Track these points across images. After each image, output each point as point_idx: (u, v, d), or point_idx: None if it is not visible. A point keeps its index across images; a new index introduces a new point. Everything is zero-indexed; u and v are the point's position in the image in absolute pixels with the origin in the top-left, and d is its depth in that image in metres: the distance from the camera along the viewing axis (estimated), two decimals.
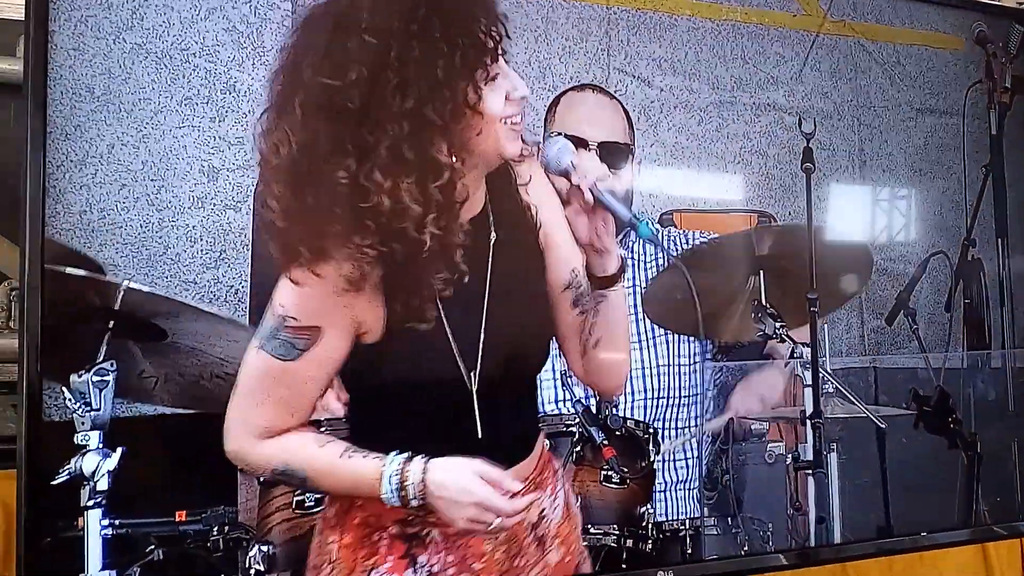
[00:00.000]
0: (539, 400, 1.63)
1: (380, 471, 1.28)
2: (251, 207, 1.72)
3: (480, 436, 1.34)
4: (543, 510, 1.44)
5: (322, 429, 1.42)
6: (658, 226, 2.09)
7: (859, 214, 2.38)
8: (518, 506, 1.29)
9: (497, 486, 1.27)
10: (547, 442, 1.52)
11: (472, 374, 1.35)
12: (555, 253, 1.43)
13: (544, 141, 1.35)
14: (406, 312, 1.29)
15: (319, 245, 1.25)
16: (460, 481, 1.27)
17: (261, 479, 1.66)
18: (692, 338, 2.07)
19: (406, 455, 1.29)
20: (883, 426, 2.16)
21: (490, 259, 1.36)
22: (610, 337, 1.44)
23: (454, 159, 1.26)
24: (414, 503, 1.28)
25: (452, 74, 1.23)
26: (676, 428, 2.08)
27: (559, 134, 1.41)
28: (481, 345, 1.36)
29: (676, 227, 2.13)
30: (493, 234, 1.37)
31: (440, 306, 1.30)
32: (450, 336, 1.33)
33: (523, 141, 1.34)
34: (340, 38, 1.23)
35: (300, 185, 1.24)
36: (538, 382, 1.53)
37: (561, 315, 1.45)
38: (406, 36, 1.22)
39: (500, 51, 1.27)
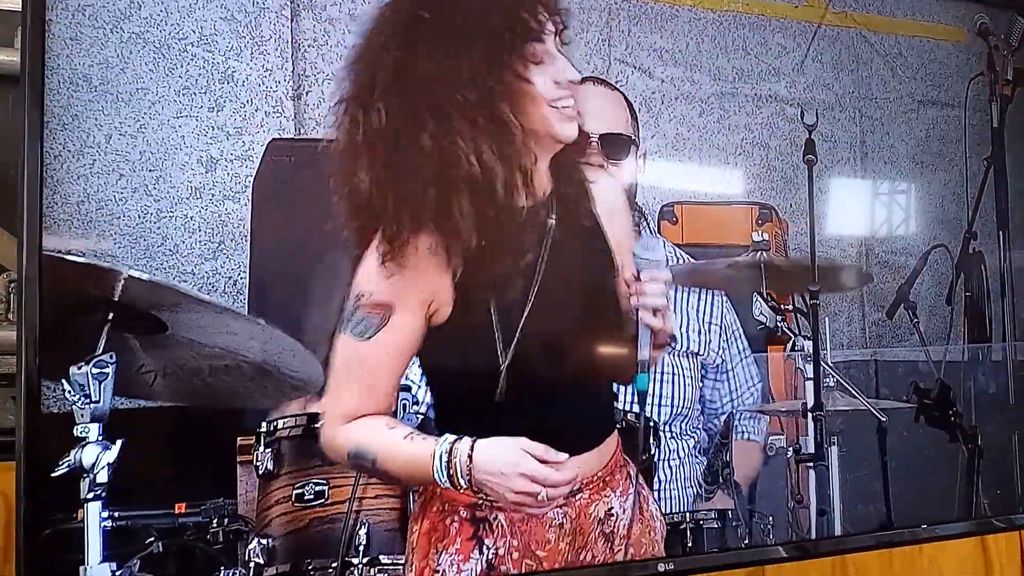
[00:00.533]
0: (618, 401, 1.63)
1: (432, 452, 1.32)
2: (249, 197, 1.71)
3: (504, 405, 1.36)
4: (611, 508, 1.47)
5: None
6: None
7: (860, 206, 2.38)
8: (564, 477, 1.32)
9: (540, 458, 1.31)
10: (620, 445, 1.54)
11: (505, 352, 1.37)
12: (620, 246, 1.45)
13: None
14: (477, 288, 1.33)
15: (416, 214, 1.28)
16: (505, 456, 1.32)
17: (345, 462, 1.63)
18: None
19: (456, 437, 1.32)
20: (884, 419, 2.16)
21: (546, 251, 1.39)
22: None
23: (520, 125, 1.30)
24: (462, 482, 1.31)
25: (499, 51, 1.28)
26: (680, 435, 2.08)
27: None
28: (521, 328, 1.38)
29: (677, 219, 2.13)
30: (552, 218, 1.40)
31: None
32: (494, 316, 1.37)
33: (580, 129, 1.38)
34: (406, 18, 1.26)
35: (388, 154, 1.28)
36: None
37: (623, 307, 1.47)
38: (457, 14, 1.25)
39: (544, 32, 1.32)
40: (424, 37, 1.31)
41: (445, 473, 1.33)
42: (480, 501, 1.40)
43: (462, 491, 1.35)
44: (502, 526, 1.41)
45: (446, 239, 1.31)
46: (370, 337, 1.38)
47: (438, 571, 1.43)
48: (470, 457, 1.32)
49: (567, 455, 1.36)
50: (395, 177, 1.30)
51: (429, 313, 1.37)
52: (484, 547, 1.41)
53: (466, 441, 1.33)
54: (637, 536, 1.52)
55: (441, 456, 1.33)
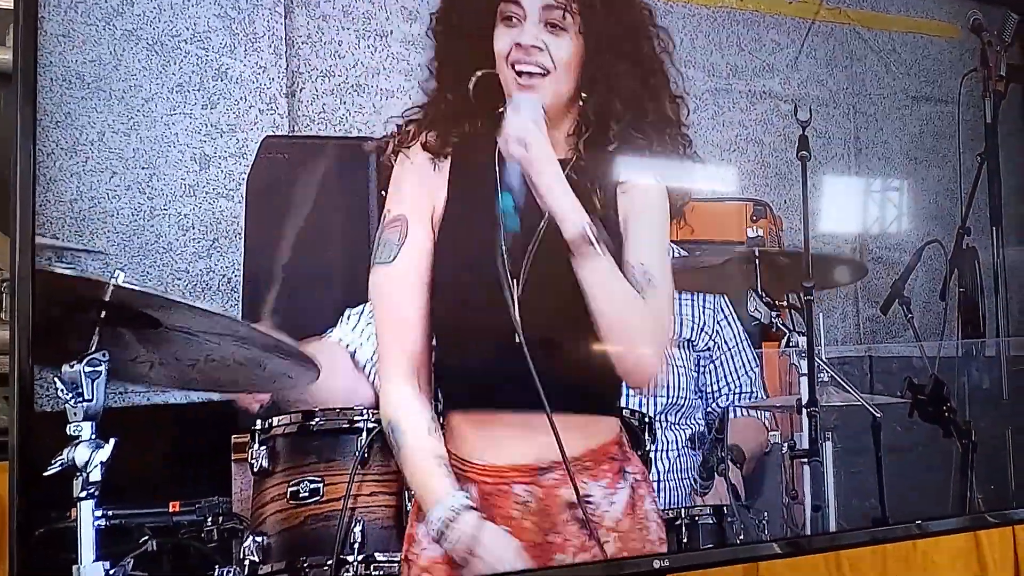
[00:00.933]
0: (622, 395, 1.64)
1: (438, 501, 1.36)
2: (243, 195, 1.70)
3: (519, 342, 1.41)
4: (588, 496, 1.49)
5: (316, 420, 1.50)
6: None
7: (854, 203, 2.38)
8: None
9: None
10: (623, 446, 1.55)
11: (516, 281, 1.44)
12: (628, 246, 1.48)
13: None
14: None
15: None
16: (501, 555, 1.37)
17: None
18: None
19: (468, 503, 1.37)
20: (878, 415, 2.16)
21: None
22: (597, 313, 1.51)
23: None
24: (445, 545, 1.36)
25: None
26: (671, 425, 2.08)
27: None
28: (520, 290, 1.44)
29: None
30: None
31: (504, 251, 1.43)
32: (504, 255, 1.43)
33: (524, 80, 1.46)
34: None
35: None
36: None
37: None
38: None
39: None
40: None
41: (438, 528, 1.39)
42: (456, 469, 1.44)
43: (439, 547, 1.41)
44: (474, 498, 1.45)
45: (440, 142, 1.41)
46: (394, 258, 1.43)
47: (416, 538, 1.46)
48: (471, 534, 1.38)
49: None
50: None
51: (433, 222, 1.44)
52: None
53: (474, 515, 1.37)
54: (626, 531, 1.52)
55: (446, 508, 1.38)
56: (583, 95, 1.46)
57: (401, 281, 1.45)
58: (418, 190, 1.45)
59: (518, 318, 1.44)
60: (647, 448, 1.90)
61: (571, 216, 1.45)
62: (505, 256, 1.45)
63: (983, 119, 2.46)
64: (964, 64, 2.45)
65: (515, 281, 1.47)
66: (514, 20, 1.47)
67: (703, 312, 2.12)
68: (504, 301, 1.45)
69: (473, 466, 1.44)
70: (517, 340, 1.43)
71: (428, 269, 1.48)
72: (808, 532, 2.06)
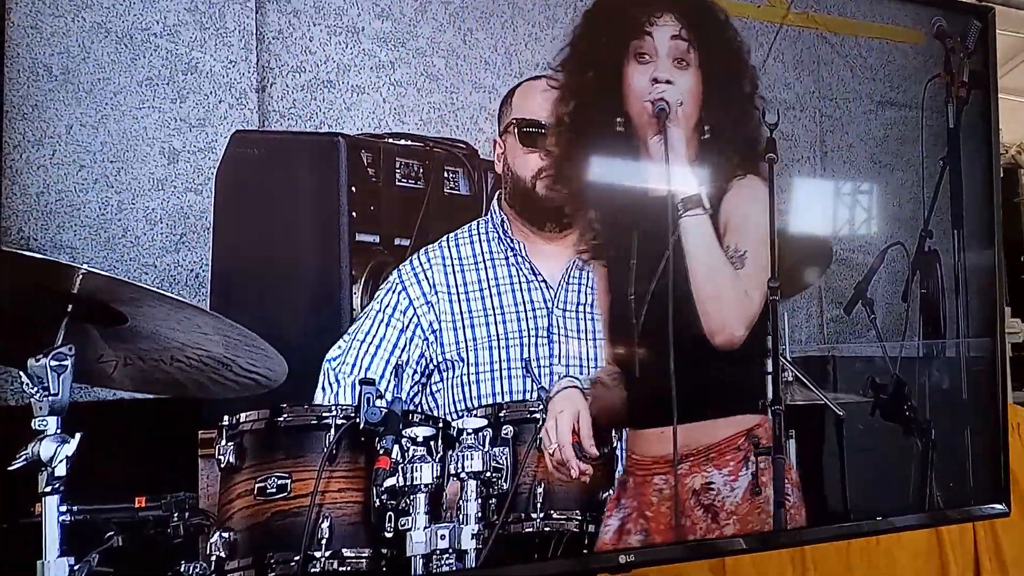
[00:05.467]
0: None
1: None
2: (212, 189, 1.70)
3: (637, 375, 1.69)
4: (711, 483, 1.66)
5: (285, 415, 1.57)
6: None
7: (820, 205, 2.41)
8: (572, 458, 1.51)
9: (581, 435, 1.57)
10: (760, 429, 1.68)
11: (636, 321, 1.59)
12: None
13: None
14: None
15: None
16: (566, 405, 1.52)
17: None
18: None
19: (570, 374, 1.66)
20: (841, 414, 2.19)
21: (675, 235, 1.62)
22: (691, 271, 1.71)
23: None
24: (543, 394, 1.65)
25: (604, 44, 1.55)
26: None
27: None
28: (647, 302, 1.56)
29: None
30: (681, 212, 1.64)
31: (634, 264, 1.57)
32: (632, 284, 1.57)
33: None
34: None
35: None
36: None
37: None
38: None
39: (647, 34, 1.53)
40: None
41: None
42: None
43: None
44: (631, 488, 1.66)
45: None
46: None
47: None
48: (559, 391, 1.64)
49: (593, 458, 1.58)
50: None
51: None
52: (620, 505, 1.65)
53: (566, 381, 1.64)
54: (744, 514, 1.72)
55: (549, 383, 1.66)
56: (705, 127, 1.67)
57: None
58: None
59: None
60: (613, 445, 1.91)
61: (691, 180, 1.66)
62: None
63: (946, 124, 2.51)
64: (928, 70, 2.49)
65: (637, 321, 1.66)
66: (647, 57, 1.65)
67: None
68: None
69: (632, 458, 1.63)
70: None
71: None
72: (772, 527, 2.09)
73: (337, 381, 1.77)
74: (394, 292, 1.82)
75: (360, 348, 1.80)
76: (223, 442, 1.67)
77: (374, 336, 1.81)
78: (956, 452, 2.46)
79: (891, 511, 2.30)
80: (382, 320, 1.81)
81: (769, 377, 2.09)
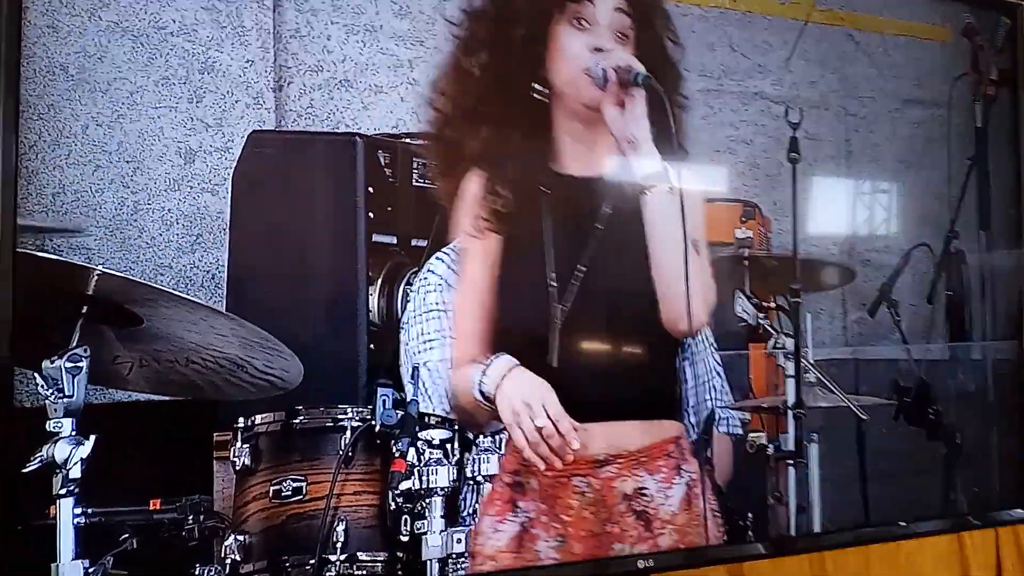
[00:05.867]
0: (683, 392, 1.65)
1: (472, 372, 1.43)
2: (228, 190, 1.69)
3: (555, 367, 1.44)
4: (643, 488, 1.54)
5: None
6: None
7: (844, 205, 2.38)
8: (563, 426, 1.41)
9: (554, 417, 1.42)
10: (683, 439, 1.58)
11: (561, 309, 1.46)
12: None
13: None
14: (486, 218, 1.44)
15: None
16: (530, 391, 1.42)
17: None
18: None
19: (496, 354, 1.44)
20: (864, 417, 2.16)
21: (600, 225, 1.47)
22: (655, 249, 1.55)
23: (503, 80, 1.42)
24: (488, 390, 1.39)
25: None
26: None
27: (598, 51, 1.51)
28: (576, 290, 1.46)
29: None
30: (606, 208, 1.47)
31: (550, 247, 1.43)
32: (550, 271, 1.45)
33: (595, 82, 1.44)
34: None
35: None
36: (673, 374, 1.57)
37: None
38: None
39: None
40: None
41: (477, 384, 1.44)
42: (520, 466, 1.49)
43: (483, 404, 1.45)
44: (535, 490, 1.50)
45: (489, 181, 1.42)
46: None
47: (482, 532, 1.50)
48: (505, 374, 1.40)
49: (576, 433, 1.44)
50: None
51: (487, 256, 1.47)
52: (519, 510, 1.49)
53: (506, 360, 1.39)
54: (682, 524, 1.59)
55: (478, 368, 1.42)
56: None
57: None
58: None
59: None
60: None
61: (651, 150, 1.52)
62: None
63: (973, 123, 2.46)
64: (955, 68, 2.45)
65: (561, 308, 1.52)
66: (585, 24, 1.51)
67: None
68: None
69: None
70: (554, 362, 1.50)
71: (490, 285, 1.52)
72: (793, 532, 2.06)
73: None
74: (438, 291, 1.80)
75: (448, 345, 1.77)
76: (238, 444, 1.66)
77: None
78: (981, 457, 2.43)
79: (914, 516, 2.28)
80: (438, 317, 1.79)
81: (792, 380, 2.07)
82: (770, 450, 2.12)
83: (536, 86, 1.47)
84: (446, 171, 1.47)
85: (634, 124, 1.48)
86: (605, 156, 1.50)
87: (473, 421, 1.58)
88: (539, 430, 1.43)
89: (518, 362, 1.44)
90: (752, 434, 2.18)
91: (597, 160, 1.51)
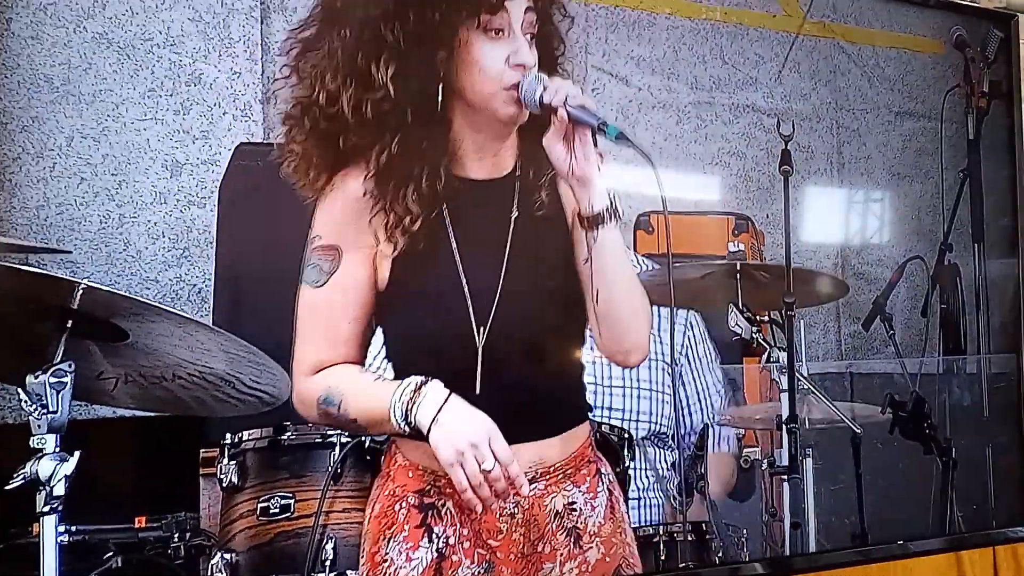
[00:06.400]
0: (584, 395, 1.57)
1: (395, 387, 1.30)
2: (215, 203, 1.67)
3: (479, 393, 1.34)
4: (573, 503, 1.44)
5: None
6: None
7: (837, 218, 2.37)
8: (512, 470, 1.29)
9: (498, 454, 1.28)
10: (594, 447, 1.50)
11: (482, 329, 1.36)
12: (577, 235, 1.42)
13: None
14: (391, 235, 1.33)
15: (299, 148, 1.30)
16: (474, 428, 1.29)
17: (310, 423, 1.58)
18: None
19: (426, 379, 1.30)
20: (859, 431, 2.15)
21: (511, 229, 1.37)
22: (607, 286, 1.42)
23: (411, 87, 1.29)
24: (419, 422, 1.28)
25: (425, 6, 1.27)
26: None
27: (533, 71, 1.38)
28: (495, 306, 1.36)
29: (653, 229, 2.11)
30: (515, 211, 1.38)
31: (459, 260, 1.33)
32: (466, 290, 1.35)
33: (525, 103, 1.34)
34: None
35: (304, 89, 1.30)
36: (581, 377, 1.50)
37: (584, 290, 1.44)
38: None
39: (502, 8, 1.30)
40: None
41: (402, 410, 1.29)
42: (428, 487, 1.38)
43: (409, 432, 1.31)
44: (451, 514, 1.38)
45: (379, 186, 1.31)
46: (323, 284, 1.36)
47: (387, 559, 1.39)
48: (442, 405, 1.29)
49: (515, 462, 1.32)
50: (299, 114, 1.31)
51: (374, 263, 1.36)
52: (434, 535, 1.38)
53: (439, 388, 1.30)
54: (608, 536, 1.48)
55: (405, 391, 1.30)
56: None
57: (332, 301, 1.39)
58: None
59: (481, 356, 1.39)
60: (626, 464, 1.87)
61: (601, 188, 1.40)
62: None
63: (966, 135, 2.46)
64: (947, 80, 2.45)
65: (482, 328, 1.41)
66: (502, 34, 1.36)
67: (675, 329, 2.10)
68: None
69: (450, 482, 1.36)
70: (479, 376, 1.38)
71: (368, 296, 1.39)
72: (787, 549, 2.04)
73: None
74: None
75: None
76: (225, 461, 1.64)
77: None
78: (977, 471, 2.41)
79: (910, 531, 2.26)
80: None
81: (785, 395, 2.05)
82: (764, 466, 2.10)
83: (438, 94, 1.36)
84: (318, 165, 1.36)
85: (585, 163, 1.38)
86: (508, 161, 1.42)
87: (345, 429, 1.51)
88: (485, 473, 1.32)
89: (449, 390, 1.33)
90: (747, 450, 2.17)
91: (500, 165, 1.43)
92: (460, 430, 1.29)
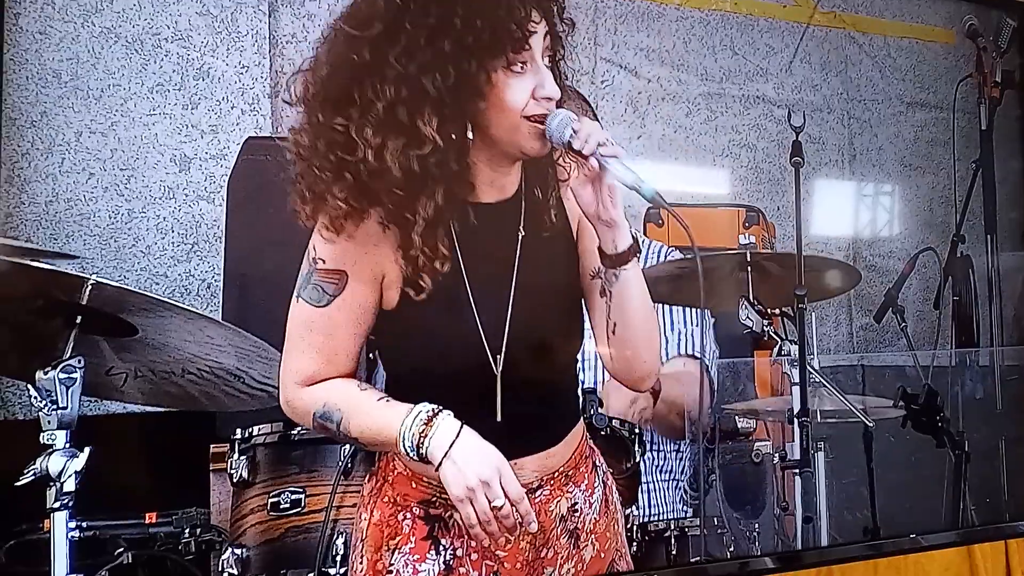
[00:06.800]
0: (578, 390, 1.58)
1: (402, 418, 1.27)
2: (224, 198, 1.67)
3: (500, 419, 1.33)
4: (575, 504, 1.43)
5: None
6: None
7: (848, 209, 2.36)
8: (523, 508, 1.27)
9: (507, 489, 1.26)
10: (588, 438, 1.49)
11: (498, 357, 1.34)
12: (586, 244, 1.42)
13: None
14: (414, 275, 1.29)
15: (313, 189, 1.25)
16: (485, 461, 1.26)
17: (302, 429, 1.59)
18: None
19: (438, 408, 1.27)
20: (871, 424, 2.13)
21: (518, 250, 1.36)
22: (625, 322, 1.42)
23: (451, 135, 1.25)
24: (431, 455, 1.26)
25: (462, 54, 1.23)
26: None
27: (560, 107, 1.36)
28: (507, 330, 1.34)
29: (663, 222, 2.10)
30: (521, 231, 1.36)
31: (469, 287, 1.30)
32: (477, 318, 1.33)
33: (551, 142, 1.31)
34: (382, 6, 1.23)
35: (313, 130, 1.25)
36: (577, 375, 1.50)
37: (591, 304, 1.43)
38: (429, 4, 1.22)
39: (527, 44, 1.26)
40: (398, 27, 1.26)
41: (412, 441, 1.28)
42: (434, 498, 1.37)
43: (418, 461, 1.30)
44: (459, 526, 1.37)
45: (394, 216, 1.29)
46: (325, 304, 1.35)
47: (391, 570, 1.39)
48: (455, 440, 1.28)
49: (526, 499, 1.31)
50: (311, 154, 1.28)
51: (381, 288, 1.34)
52: (441, 547, 1.37)
53: (451, 420, 1.28)
54: (603, 531, 1.48)
55: (416, 421, 1.28)
56: None
57: (334, 320, 1.37)
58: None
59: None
60: (636, 460, 1.87)
61: (626, 227, 1.39)
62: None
63: (978, 125, 2.45)
64: (959, 70, 2.43)
65: (498, 356, 1.39)
66: (524, 67, 1.34)
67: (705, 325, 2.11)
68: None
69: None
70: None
71: (370, 318, 1.38)
72: (799, 543, 2.04)
73: None
74: None
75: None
76: (235, 456, 1.63)
77: None
78: (990, 464, 2.40)
79: (922, 525, 2.25)
80: None
81: (796, 387, 2.04)
82: (775, 459, 2.09)
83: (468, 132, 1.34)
84: (351, 214, 1.31)
85: (612, 206, 1.37)
86: (514, 181, 1.40)
87: (342, 443, 1.50)
88: (495, 510, 1.31)
89: (461, 422, 1.32)
90: (758, 443, 2.16)
91: (507, 187, 1.41)
92: (472, 467, 1.27)
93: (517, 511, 1.27)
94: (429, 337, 1.35)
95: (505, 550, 1.37)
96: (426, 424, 1.28)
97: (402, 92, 1.25)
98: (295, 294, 1.35)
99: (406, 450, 1.28)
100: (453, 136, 1.27)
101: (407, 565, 1.36)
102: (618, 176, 1.31)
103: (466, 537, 1.34)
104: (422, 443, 1.27)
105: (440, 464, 1.26)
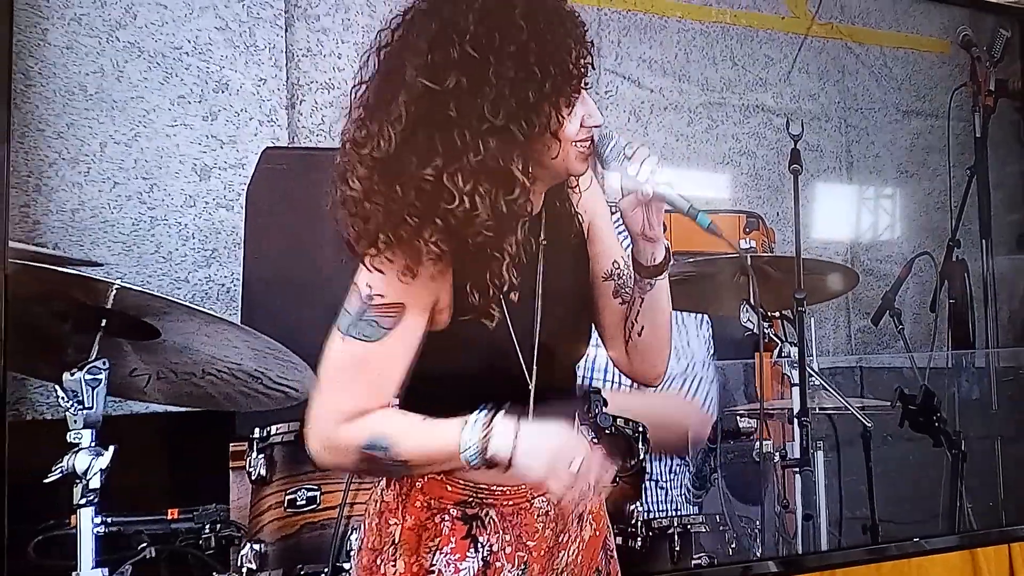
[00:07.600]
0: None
1: (459, 428, 1.30)
2: (243, 205, 1.72)
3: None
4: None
5: None
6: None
7: (846, 215, 2.40)
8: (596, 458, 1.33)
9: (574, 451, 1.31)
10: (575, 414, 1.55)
11: (532, 367, 1.37)
12: (598, 248, 1.47)
13: (596, 139, 1.38)
14: (471, 306, 1.32)
15: (396, 232, 1.27)
16: (559, 444, 1.29)
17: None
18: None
19: (491, 409, 1.30)
20: (869, 425, 2.17)
21: (540, 262, 1.40)
22: (654, 326, 1.48)
23: (528, 177, 1.30)
24: (501, 458, 1.29)
25: (541, 98, 1.28)
26: None
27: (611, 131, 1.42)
28: (537, 344, 1.38)
29: (665, 228, 2.14)
30: (543, 239, 1.40)
31: (504, 306, 1.33)
32: (513, 335, 1.36)
33: (604, 166, 1.37)
34: (443, 44, 1.26)
35: (388, 175, 1.27)
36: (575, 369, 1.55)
37: (602, 306, 1.48)
38: (504, 55, 1.26)
39: (585, 83, 1.31)
40: (481, 80, 1.31)
41: (478, 445, 1.30)
42: (470, 498, 1.41)
43: (483, 467, 1.33)
44: (494, 522, 1.41)
45: (420, 262, 1.31)
46: (379, 339, 1.36)
47: (433, 570, 1.43)
48: (518, 431, 1.31)
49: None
50: (385, 197, 1.31)
51: (434, 313, 1.38)
52: (479, 544, 1.41)
53: (505, 417, 1.32)
54: (598, 510, 1.53)
55: (476, 426, 1.31)
56: None
57: (390, 355, 1.38)
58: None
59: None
60: (640, 458, 1.91)
61: (664, 239, 1.45)
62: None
63: (973, 133, 2.49)
64: (954, 79, 2.48)
65: (532, 370, 1.44)
66: (575, 97, 1.40)
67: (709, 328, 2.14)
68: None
69: (493, 492, 1.41)
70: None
71: (419, 344, 1.41)
72: (799, 541, 2.07)
73: None
74: None
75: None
76: (253, 455, 1.67)
77: None
78: (986, 464, 2.44)
79: (920, 523, 2.28)
80: None
81: (796, 388, 2.08)
82: (776, 458, 2.13)
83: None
84: (441, 256, 1.34)
85: (656, 224, 1.44)
86: (542, 195, 1.45)
87: (382, 474, 1.52)
88: (572, 475, 1.35)
89: (516, 416, 1.36)
90: (759, 443, 2.20)
91: (538, 203, 1.46)
92: (540, 447, 1.31)
93: (589, 463, 1.31)
94: (469, 352, 1.38)
95: (534, 540, 1.42)
96: (486, 428, 1.30)
97: (492, 143, 1.28)
98: (340, 332, 1.32)
99: (468, 459, 1.30)
100: (530, 171, 1.32)
101: (448, 565, 1.39)
102: (672, 202, 1.36)
103: (501, 532, 1.39)
104: (487, 448, 1.29)
105: (512, 458, 1.30)
